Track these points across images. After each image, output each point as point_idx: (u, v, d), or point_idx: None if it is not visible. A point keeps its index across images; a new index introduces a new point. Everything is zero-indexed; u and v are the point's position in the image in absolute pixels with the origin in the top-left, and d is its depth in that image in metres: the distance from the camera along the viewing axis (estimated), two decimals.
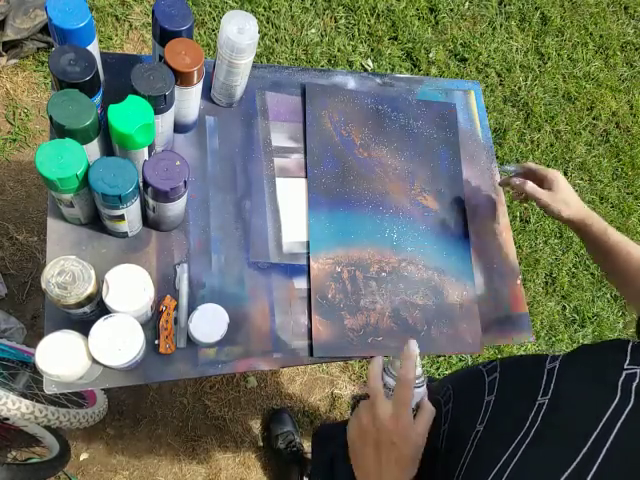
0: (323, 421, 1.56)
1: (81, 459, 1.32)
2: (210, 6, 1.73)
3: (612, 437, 0.38)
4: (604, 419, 0.39)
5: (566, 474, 0.37)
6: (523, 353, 1.82)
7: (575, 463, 0.37)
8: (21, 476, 0.96)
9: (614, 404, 0.40)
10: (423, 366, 1.68)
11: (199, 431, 1.43)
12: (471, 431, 0.49)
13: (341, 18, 1.90)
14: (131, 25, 1.66)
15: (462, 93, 1.01)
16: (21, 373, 1.07)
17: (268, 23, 1.79)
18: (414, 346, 0.49)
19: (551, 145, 2.10)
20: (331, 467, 0.78)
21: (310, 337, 0.75)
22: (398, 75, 0.99)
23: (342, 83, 0.93)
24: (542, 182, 0.82)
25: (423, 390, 0.50)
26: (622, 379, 0.42)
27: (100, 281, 0.60)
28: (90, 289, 0.57)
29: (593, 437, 0.38)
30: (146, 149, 0.62)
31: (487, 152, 0.99)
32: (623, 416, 0.39)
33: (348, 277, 0.80)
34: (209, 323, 0.67)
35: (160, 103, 0.62)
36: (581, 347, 0.51)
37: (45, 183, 0.57)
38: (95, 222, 0.69)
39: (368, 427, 0.49)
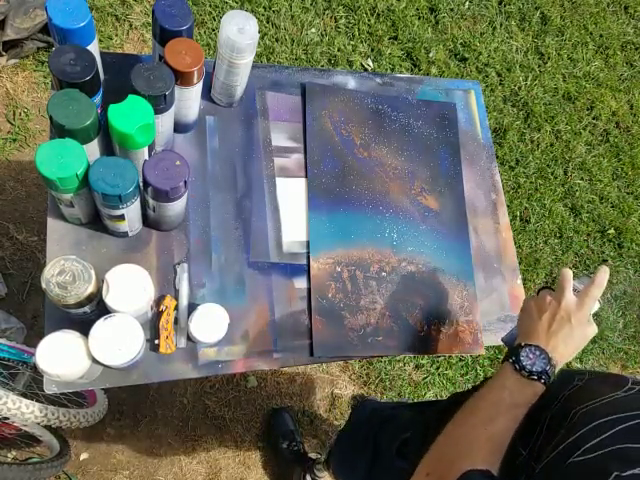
0: (322, 422, 1.56)
1: (81, 459, 1.32)
2: (210, 6, 1.73)
3: None
4: None
5: None
6: None
7: None
8: (21, 476, 0.96)
9: None
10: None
11: (199, 431, 1.43)
12: (611, 395, 0.52)
13: (341, 18, 1.90)
14: (131, 25, 1.66)
15: (462, 93, 1.01)
16: (21, 373, 1.07)
17: (268, 23, 1.79)
18: (606, 269, 0.59)
19: (551, 145, 2.10)
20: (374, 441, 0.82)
21: (310, 337, 0.75)
22: (398, 75, 0.99)
23: (342, 83, 0.93)
24: None
25: (598, 305, 0.59)
26: None
27: (100, 281, 0.60)
28: (90, 289, 0.57)
29: None
30: (146, 149, 0.62)
31: (487, 152, 0.99)
32: None
33: (348, 277, 0.80)
34: (209, 323, 0.67)
35: (160, 103, 0.62)
36: None
37: (45, 183, 0.57)
38: (95, 222, 0.69)
39: (552, 303, 0.59)
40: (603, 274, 0.59)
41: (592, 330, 0.59)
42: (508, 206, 1.91)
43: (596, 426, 0.43)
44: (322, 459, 1.31)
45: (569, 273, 0.61)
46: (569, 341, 0.58)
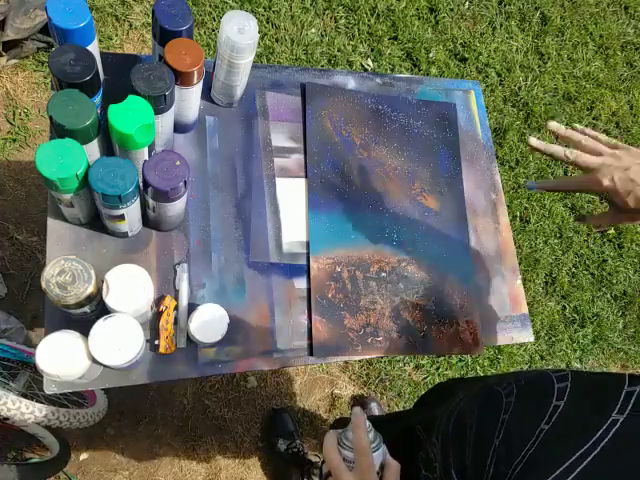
0: (322, 422, 1.56)
1: (81, 459, 1.32)
2: (210, 6, 1.73)
3: None
4: None
5: None
6: (524, 354, 1.82)
7: None
8: (21, 476, 0.97)
9: None
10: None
11: (199, 431, 1.43)
12: (535, 428, 0.49)
13: (341, 18, 1.90)
14: (131, 25, 1.66)
15: (462, 93, 1.01)
16: (21, 373, 1.07)
17: (268, 23, 1.79)
18: (360, 412, 0.49)
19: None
20: None
21: (310, 337, 0.75)
22: (398, 75, 0.99)
23: (342, 83, 0.93)
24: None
25: (382, 450, 0.51)
26: None
27: (100, 281, 0.60)
28: (90, 289, 0.57)
29: None
30: (146, 149, 0.62)
31: (487, 152, 0.99)
32: None
33: (348, 277, 0.80)
34: (209, 323, 0.67)
35: (160, 103, 0.62)
36: None
37: (45, 183, 0.57)
38: (95, 222, 0.69)
39: None
40: (357, 429, 0.48)
41: None
42: (508, 206, 1.91)
43: None
44: (320, 464, 1.31)
45: (329, 447, 0.50)
46: None
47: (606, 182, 0.57)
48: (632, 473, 0.40)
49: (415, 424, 0.75)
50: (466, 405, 0.64)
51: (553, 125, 0.64)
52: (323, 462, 0.50)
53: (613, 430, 0.43)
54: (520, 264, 1.86)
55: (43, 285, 0.56)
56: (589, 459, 0.41)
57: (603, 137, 0.62)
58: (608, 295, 2.00)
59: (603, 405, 0.47)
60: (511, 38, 2.18)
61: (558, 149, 0.62)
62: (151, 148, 0.64)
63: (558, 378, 0.55)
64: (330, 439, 0.51)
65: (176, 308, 0.70)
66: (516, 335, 0.88)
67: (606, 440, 0.42)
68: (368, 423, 0.50)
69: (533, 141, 0.64)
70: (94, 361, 0.58)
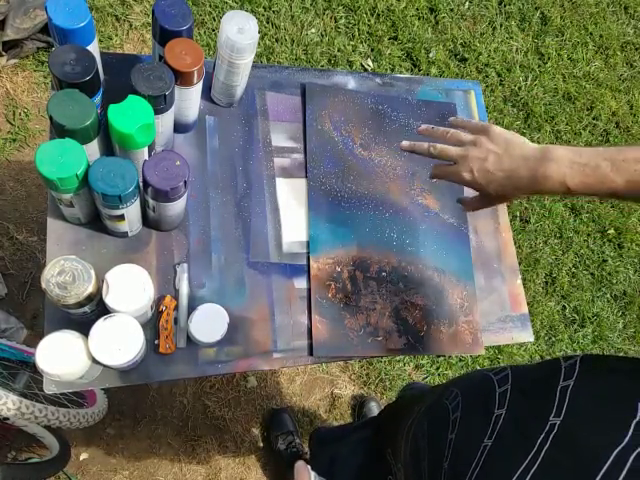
0: (322, 422, 1.56)
1: (81, 459, 1.32)
2: (210, 6, 1.73)
3: (625, 471, 0.36)
4: (616, 451, 0.37)
5: None
6: (524, 354, 1.82)
7: None
8: (21, 476, 0.96)
9: (628, 436, 0.37)
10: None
11: (199, 431, 1.43)
12: (479, 445, 0.48)
13: (341, 18, 1.90)
14: (131, 25, 1.66)
15: (462, 93, 1.01)
16: (21, 373, 1.07)
17: (268, 23, 1.79)
18: (303, 470, 0.49)
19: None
20: (330, 467, 0.78)
21: (310, 337, 0.75)
22: (398, 75, 0.99)
23: (342, 83, 0.93)
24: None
25: None
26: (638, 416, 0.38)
27: (100, 281, 0.60)
28: (90, 289, 0.57)
29: (604, 469, 0.37)
30: (146, 149, 0.62)
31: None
32: (638, 449, 0.37)
33: (348, 277, 0.80)
34: (209, 323, 0.67)
35: (160, 103, 0.62)
36: (595, 365, 0.47)
37: (45, 183, 0.57)
38: (95, 222, 0.69)
39: None
40: None
41: None
42: (508, 206, 1.91)
43: None
44: None
45: None
46: None
47: (466, 175, 0.58)
48: (570, 476, 0.39)
49: (382, 445, 0.75)
50: (418, 426, 0.63)
51: (405, 144, 0.65)
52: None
53: (551, 437, 0.42)
54: (520, 264, 1.86)
55: (43, 285, 0.56)
56: (531, 473, 0.40)
57: (472, 123, 0.62)
58: (608, 295, 2.00)
59: (541, 407, 0.45)
60: (511, 38, 2.18)
61: (422, 145, 0.62)
62: (151, 148, 0.64)
63: (499, 381, 0.54)
64: None
65: (176, 308, 0.70)
66: (516, 335, 0.88)
67: (546, 448, 0.41)
68: (313, 474, 0.49)
69: (404, 144, 0.65)
70: (94, 361, 0.58)
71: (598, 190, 0.49)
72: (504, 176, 0.55)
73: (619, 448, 0.37)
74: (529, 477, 0.41)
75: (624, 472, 0.36)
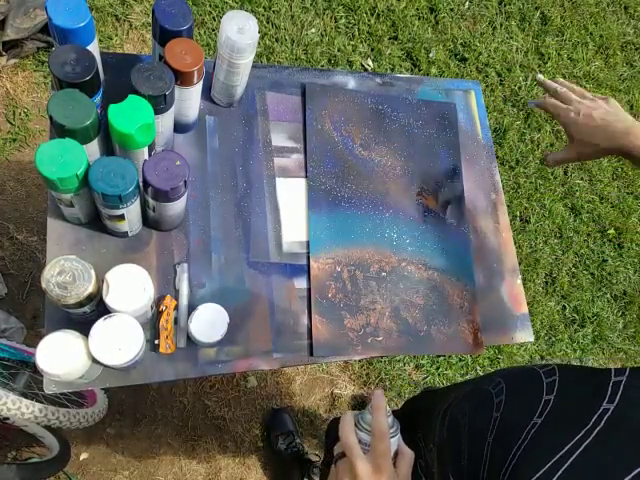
0: (322, 422, 1.56)
1: (81, 459, 1.32)
2: (210, 6, 1.73)
3: None
4: None
5: (631, 475, 0.36)
6: (524, 354, 1.82)
7: None
8: (21, 476, 0.96)
9: None
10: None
11: (199, 431, 1.43)
12: (527, 422, 0.49)
13: (341, 18, 1.90)
14: (131, 25, 1.66)
15: (462, 93, 1.01)
16: (21, 373, 1.07)
17: (268, 23, 1.79)
18: (381, 396, 0.48)
19: (551, 145, 2.10)
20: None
21: (310, 337, 0.75)
22: (398, 75, 0.99)
23: (342, 83, 0.93)
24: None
25: (397, 438, 0.50)
26: None
27: (100, 281, 0.60)
28: (90, 289, 0.57)
29: None
30: (146, 149, 0.62)
31: (487, 152, 0.99)
32: None
33: (348, 277, 0.80)
34: (209, 323, 0.67)
35: (160, 103, 0.62)
36: None
37: (45, 183, 0.57)
38: (95, 222, 0.69)
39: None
40: (377, 412, 0.47)
41: None
42: (508, 206, 1.91)
43: None
44: (319, 463, 1.31)
45: (346, 427, 0.49)
46: None
47: (572, 114, 0.70)
48: (619, 453, 0.40)
49: (412, 430, 0.75)
50: (458, 408, 0.64)
51: (540, 77, 0.80)
52: (326, 453, 0.49)
53: (605, 418, 0.43)
54: (520, 264, 1.86)
55: (43, 285, 0.56)
56: (581, 449, 0.42)
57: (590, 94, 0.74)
58: (608, 295, 2.00)
59: (593, 396, 0.47)
60: (511, 38, 2.18)
61: (553, 84, 0.77)
62: (151, 148, 0.64)
63: (545, 373, 0.56)
64: (348, 419, 0.49)
65: (176, 308, 0.70)
66: (516, 335, 0.88)
67: (598, 428, 0.43)
68: (388, 408, 0.49)
69: (539, 77, 0.80)
70: (94, 361, 0.58)
71: None
72: (602, 125, 0.66)
73: None
74: (576, 455, 0.41)
75: None
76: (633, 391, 0.45)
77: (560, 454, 0.42)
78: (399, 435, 0.50)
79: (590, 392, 0.48)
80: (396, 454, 0.49)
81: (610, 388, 0.47)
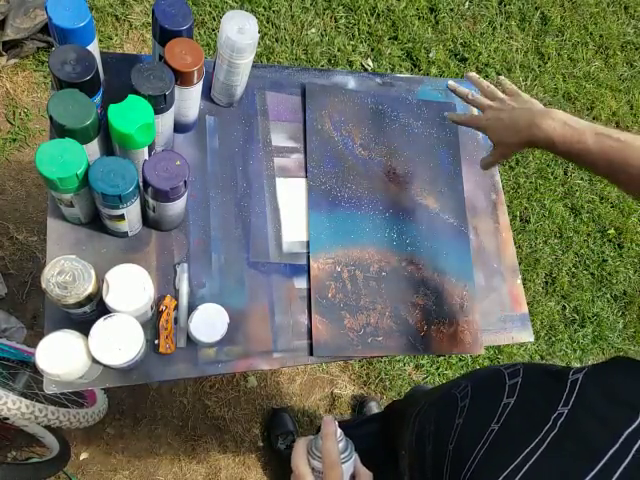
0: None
1: (81, 459, 1.32)
2: (210, 6, 1.73)
3: (630, 456, 0.37)
4: (623, 437, 0.38)
5: None
6: (524, 354, 1.82)
7: (589, 477, 0.37)
8: (21, 476, 0.97)
9: (635, 423, 0.39)
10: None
11: (199, 431, 1.43)
12: (485, 429, 0.49)
13: (341, 18, 1.90)
14: (131, 25, 1.66)
15: None
16: (21, 373, 1.07)
17: (268, 23, 1.79)
18: (330, 422, 0.47)
19: None
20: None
21: (310, 337, 0.75)
22: (398, 75, 0.99)
23: (342, 83, 0.93)
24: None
25: (352, 461, 0.48)
26: None
27: (100, 281, 0.60)
28: (90, 289, 0.57)
29: (610, 453, 0.38)
30: (146, 149, 0.62)
31: (487, 152, 0.99)
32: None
33: (348, 277, 0.80)
34: (209, 323, 0.67)
35: (160, 103, 0.62)
36: (611, 361, 0.49)
37: (45, 183, 0.57)
38: (95, 222, 0.69)
39: None
40: (327, 439, 0.46)
41: None
42: (508, 206, 1.91)
43: None
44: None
45: (298, 456, 0.48)
46: None
47: (482, 121, 0.71)
48: (570, 462, 0.40)
49: (389, 434, 0.76)
50: (425, 415, 0.65)
51: (471, 75, 0.77)
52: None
53: (559, 423, 0.43)
54: (520, 264, 1.86)
55: (43, 285, 0.56)
56: (537, 455, 0.41)
57: (509, 86, 0.74)
58: (608, 295, 2.00)
59: (551, 398, 0.47)
60: (511, 38, 2.18)
61: (464, 90, 0.76)
62: (151, 148, 0.64)
63: (510, 374, 0.56)
64: (299, 448, 0.48)
65: (176, 308, 0.70)
66: (516, 335, 0.88)
67: (553, 434, 0.43)
68: (339, 431, 0.48)
69: (451, 83, 0.79)
70: (94, 361, 0.58)
71: (573, 147, 0.59)
72: (510, 124, 0.66)
73: (630, 429, 0.38)
74: (534, 458, 0.41)
75: (632, 452, 0.37)
76: (589, 389, 0.45)
77: (516, 462, 0.41)
78: (354, 456, 0.49)
79: (550, 394, 0.48)
80: (353, 477, 0.48)
81: (567, 388, 0.46)
